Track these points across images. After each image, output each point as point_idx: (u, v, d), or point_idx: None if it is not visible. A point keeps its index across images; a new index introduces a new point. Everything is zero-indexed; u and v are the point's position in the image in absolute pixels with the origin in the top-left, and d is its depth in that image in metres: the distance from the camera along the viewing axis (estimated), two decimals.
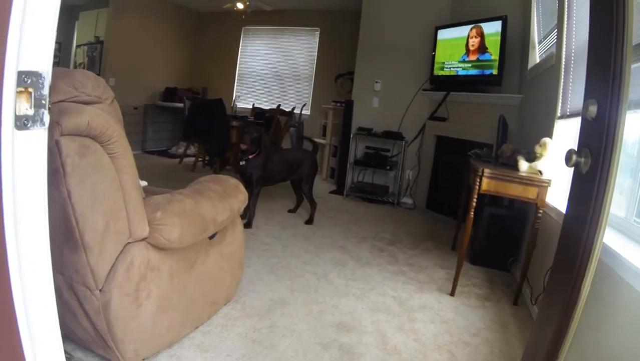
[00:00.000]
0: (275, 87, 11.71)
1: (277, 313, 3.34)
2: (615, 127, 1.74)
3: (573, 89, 3.96)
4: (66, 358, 1.68)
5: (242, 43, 12.10)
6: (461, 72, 7.04)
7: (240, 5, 9.30)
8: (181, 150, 10.26)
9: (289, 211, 6.49)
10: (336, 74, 10.39)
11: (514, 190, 3.78)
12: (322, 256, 4.72)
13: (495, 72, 6.42)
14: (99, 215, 2.05)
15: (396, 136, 7.80)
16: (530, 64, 5.85)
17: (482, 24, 6.63)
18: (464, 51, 6.94)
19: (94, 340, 2.37)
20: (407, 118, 8.03)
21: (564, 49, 4.22)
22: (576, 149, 2.00)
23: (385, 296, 3.86)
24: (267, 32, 11.78)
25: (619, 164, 1.77)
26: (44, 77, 1.14)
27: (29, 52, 1.10)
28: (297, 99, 11.13)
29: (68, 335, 2.48)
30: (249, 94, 11.90)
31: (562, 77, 4.20)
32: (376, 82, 8.32)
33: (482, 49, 6.63)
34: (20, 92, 1.09)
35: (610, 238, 2.33)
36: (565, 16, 4.21)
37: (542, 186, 3.70)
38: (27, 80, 1.10)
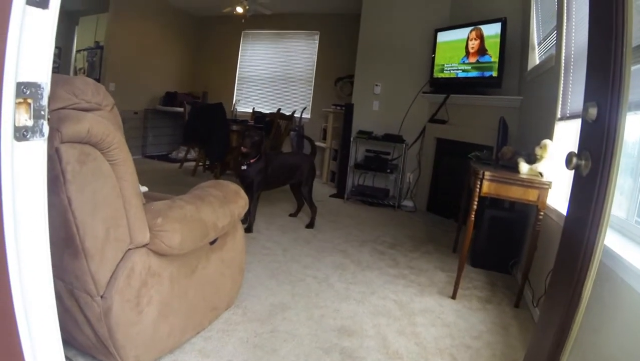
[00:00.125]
0: (275, 91, 11.72)
1: (278, 317, 3.34)
2: (616, 130, 1.74)
3: (573, 90, 3.96)
4: None
5: (242, 47, 12.11)
6: (461, 75, 7.04)
7: (239, 10, 9.29)
8: (181, 154, 10.29)
9: (290, 215, 6.48)
10: (336, 78, 10.41)
11: (515, 192, 3.78)
12: (323, 260, 4.71)
13: (495, 74, 6.43)
14: (99, 222, 2.04)
15: (396, 139, 7.80)
16: (530, 66, 5.85)
17: (481, 26, 6.64)
18: (464, 53, 6.95)
19: (95, 346, 2.37)
20: (407, 121, 8.04)
21: (563, 51, 4.22)
22: (576, 151, 2.00)
23: (386, 300, 3.86)
24: (267, 36, 11.80)
25: (619, 167, 1.77)
26: (42, 88, 1.14)
27: (28, 63, 1.11)
28: (297, 102, 11.14)
29: (69, 341, 2.48)
30: (249, 98, 11.91)
31: (562, 78, 4.20)
32: (376, 85, 8.33)
33: (481, 51, 6.64)
34: (20, 103, 1.10)
35: (611, 239, 2.33)
36: (565, 17, 4.22)
37: (543, 188, 3.69)
38: (26, 91, 1.10)
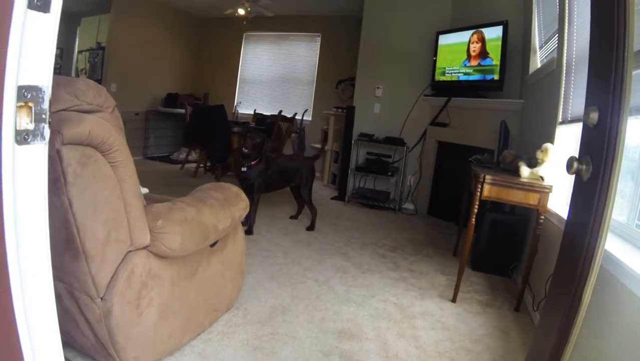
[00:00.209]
0: (276, 93, 11.73)
1: (278, 320, 3.34)
2: (617, 134, 1.74)
3: (574, 94, 3.96)
4: None
5: (244, 49, 12.12)
6: (462, 78, 7.04)
7: (241, 11, 9.31)
8: (183, 156, 10.28)
9: (291, 217, 6.49)
10: (337, 80, 10.42)
11: (516, 196, 3.78)
12: (323, 262, 4.72)
13: (496, 77, 6.42)
14: (100, 224, 2.05)
15: (397, 142, 7.80)
16: (532, 69, 5.85)
17: (483, 29, 6.63)
18: (465, 56, 6.95)
19: (95, 348, 2.37)
20: (408, 124, 8.04)
21: (565, 54, 4.22)
22: (577, 156, 2.00)
23: (386, 303, 3.86)
24: (269, 38, 11.81)
25: (620, 172, 1.76)
26: (44, 92, 1.14)
27: (29, 66, 1.11)
28: (298, 104, 11.15)
29: (69, 342, 2.48)
30: (250, 100, 11.93)
31: (564, 82, 4.20)
32: (377, 87, 8.33)
33: (483, 54, 6.64)
34: (21, 106, 1.10)
35: (611, 244, 2.33)
36: (566, 21, 4.21)
37: (544, 192, 3.69)
38: (27, 95, 1.10)
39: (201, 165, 9.40)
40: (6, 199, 1.09)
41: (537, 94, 5.36)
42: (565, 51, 4.21)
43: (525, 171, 3.91)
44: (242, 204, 3.12)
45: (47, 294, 1.28)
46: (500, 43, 6.34)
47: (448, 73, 7.33)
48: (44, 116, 1.16)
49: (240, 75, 12.17)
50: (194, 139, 8.90)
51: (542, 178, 3.82)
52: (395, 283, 4.33)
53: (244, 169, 5.39)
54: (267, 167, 5.52)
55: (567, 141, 4.11)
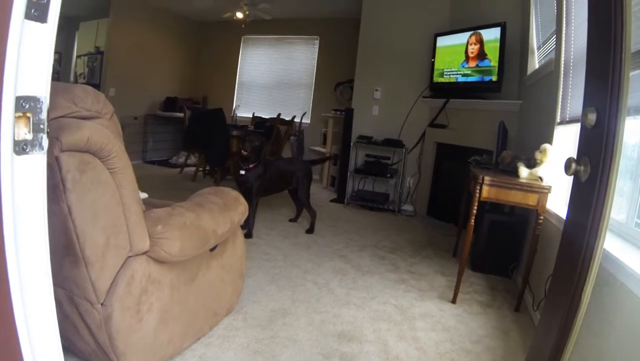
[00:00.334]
0: (275, 96, 11.74)
1: (278, 323, 3.34)
2: (615, 135, 1.74)
3: (572, 94, 3.97)
4: None
5: (242, 52, 12.13)
6: (461, 79, 7.05)
7: (239, 15, 9.32)
8: (182, 160, 10.28)
9: (290, 220, 6.49)
10: (336, 82, 10.42)
11: (515, 197, 3.79)
12: (323, 265, 4.72)
13: (494, 78, 6.43)
14: (99, 230, 2.05)
15: (396, 144, 7.80)
16: (530, 70, 5.86)
17: (481, 31, 6.65)
18: (464, 58, 6.96)
19: (96, 353, 2.37)
20: (407, 126, 8.04)
21: (562, 55, 4.22)
22: (576, 157, 2.01)
23: (386, 305, 3.86)
24: (267, 41, 11.82)
25: (618, 172, 1.77)
26: (42, 102, 1.15)
27: (27, 77, 1.11)
28: (297, 107, 11.15)
29: (69, 348, 2.48)
30: (249, 103, 11.92)
31: (562, 82, 4.20)
32: (376, 90, 8.34)
33: (481, 55, 6.65)
34: (19, 117, 1.10)
35: (610, 243, 2.33)
36: (564, 22, 4.22)
37: (543, 192, 3.70)
38: (25, 105, 1.11)
39: (200, 169, 9.40)
40: (5, 209, 1.10)
41: (536, 94, 5.37)
42: (563, 52, 4.22)
43: (524, 171, 3.92)
44: (241, 209, 3.13)
45: (47, 301, 1.28)
46: (498, 44, 6.35)
47: (446, 75, 7.33)
48: (42, 126, 1.16)
49: (239, 78, 12.18)
50: (192, 142, 8.91)
51: (540, 179, 3.83)
52: (395, 285, 4.33)
53: (242, 172, 5.39)
54: (266, 170, 5.53)
55: (565, 141, 4.11)
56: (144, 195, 2.81)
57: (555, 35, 4.55)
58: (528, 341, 3.31)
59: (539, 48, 5.71)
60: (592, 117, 1.89)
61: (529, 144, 4.96)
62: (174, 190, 7.77)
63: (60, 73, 10.99)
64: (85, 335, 2.30)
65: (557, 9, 4.48)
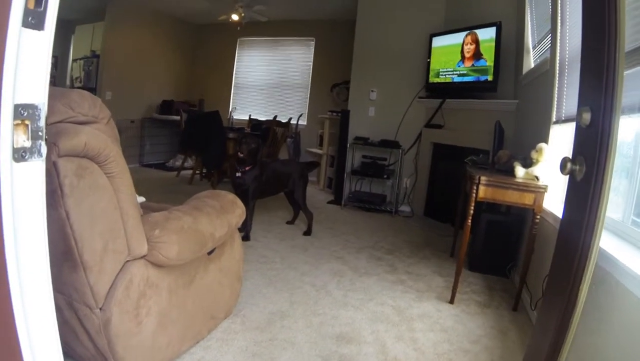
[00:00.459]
0: (271, 98, 11.75)
1: (276, 325, 3.35)
2: (609, 135, 1.75)
3: (568, 93, 3.98)
4: None
5: (238, 54, 12.14)
6: (457, 79, 7.06)
7: (235, 17, 9.33)
8: (178, 163, 10.28)
9: (287, 222, 6.49)
10: (332, 84, 10.43)
11: (511, 197, 3.79)
12: (320, 267, 4.72)
13: (490, 78, 6.44)
14: (97, 235, 2.05)
15: (393, 145, 7.81)
16: (525, 70, 5.87)
17: (476, 31, 6.66)
18: (459, 58, 6.97)
19: (95, 358, 2.37)
20: (403, 126, 8.05)
21: (558, 54, 4.23)
22: (571, 156, 2.02)
23: (384, 306, 3.87)
24: (263, 43, 11.83)
25: (613, 171, 1.78)
26: (40, 109, 1.16)
27: (25, 85, 1.12)
28: (293, 109, 11.16)
29: (69, 353, 2.48)
30: (245, 106, 11.93)
31: (557, 81, 4.21)
32: (372, 91, 8.35)
33: (477, 55, 6.66)
34: (18, 124, 1.11)
35: (606, 242, 2.34)
36: (559, 21, 4.23)
37: (539, 191, 3.71)
38: (23, 113, 1.12)
39: (197, 172, 9.40)
40: (5, 215, 1.10)
41: (531, 94, 5.38)
42: (558, 51, 4.23)
43: (520, 171, 3.93)
44: (238, 212, 3.13)
45: (47, 306, 1.29)
46: (493, 44, 6.37)
47: (442, 75, 7.34)
48: (40, 133, 1.17)
49: (235, 81, 12.19)
50: (189, 145, 8.91)
51: (537, 178, 3.84)
52: (393, 286, 4.34)
53: (238, 174, 5.39)
54: (262, 172, 5.53)
55: (561, 140, 4.12)
56: (141, 199, 2.81)
57: (550, 35, 4.56)
58: (526, 340, 3.32)
59: (534, 47, 5.73)
60: (587, 116, 1.90)
61: (525, 144, 4.97)
62: (171, 193, 7.76)
63: (56, 77, 10.99)
64: (84, 339, 2.31)
65: (552, 8, 4.48)
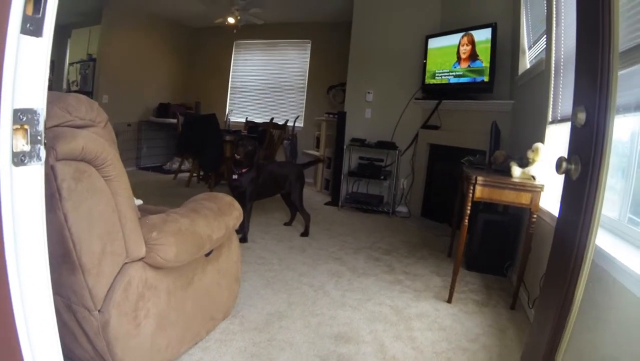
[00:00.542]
0: (267, 100, 11.76)
1: (275, 326, 3.35)
2: (604, 134, 1.76)
3: (563, 93, 3.99)
4: None
5: (234, 57, 12.15)
6: (453, 80, 7.08)
7: (231, 20, 9.33)
8: (175, 166, 10.28)
9: (285, 224, 6.50)
10: (328, 86, 10.43)
11: (508, 196, 3.80)
12: (318, 268, 4.73)
13: (486, 79, 6.46)
14: (95, 238, 2.06)
15: (389, 146, 7.82)
16: (521, 70, 5.89)
17: (472, 32, 6.67)
18: (455, 59, 6.99)
19: (94, 360, 2.38)
20: (399, 128, 8.07)
21: (553, 55, 4.25)
22: (566, 156, 2.03)
23: (382, 306, 3.88)
24: (259, 46, 11.84)
25: (608, 170, 1.79)
26: (39, 114, 1.17)
27: (24, 90, 1.14)
28: (290, 111, 11.17)
29: (68, 356, 2.48)
30: (241, 108, 11.94)
31: (553, 82, 4.23)
32: (368, 92, 8.36)
33: (473, 56, 6.68)
34: (17, 129, 1.12)
35: (603, 240, 2.36)
36: (554, 22, 4.24)
37: (535, 191, 3.72)
38: (22, 117, 1.13)
39: (194, 174, 9.39)
40: (5, 219, 1.11)
41: (527, 94, 5.40)
42: (553, 52, 4.25)
43: (516, 171, 3.94)
44: (235, 213, 3.14)
45: (47, 308, 1.30)
46: (489, 45, 6.39)
47: (438, 76, 7.36)
48: (39, 138, 1.18)
49: (232, 83, 12.20)
50: (186, 148, 8.92)
51: (533, 178, 3.85)
52: (391, 286, 4.35)
53: (235, 176, 5.40)
54: (258, 174, 5.53)
55: (557, 140, 4.14)
56: (138, 202, 2.82)
57: (545, 35, 4.58)
58: (524, 338, 3.33)
59: (529, 48, 5.75)
60: (582, 116, 1.91)
61: (521, 144, 4.99)
62: (169, 196, 7.77)
63: (53, 81, 10.97)
64: (83, 342, 2.31)
65: (547, 9, 4.50)
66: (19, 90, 1.12)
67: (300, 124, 10.92)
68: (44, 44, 1.18)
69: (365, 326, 3.48)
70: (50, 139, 1.83)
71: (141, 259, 2.32)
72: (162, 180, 9.69)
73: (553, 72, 4.23)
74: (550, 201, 3.91)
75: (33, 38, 1.14)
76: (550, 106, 4.25)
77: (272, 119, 9.30)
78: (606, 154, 1.77)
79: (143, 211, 2.60)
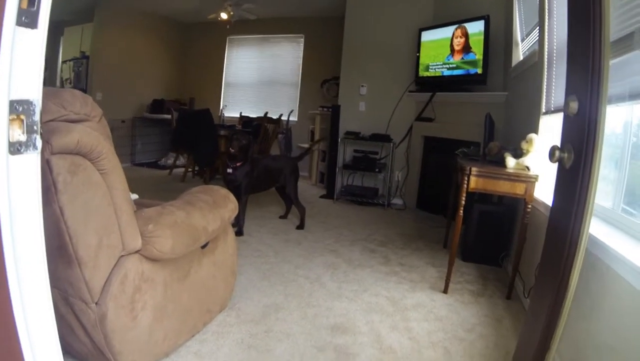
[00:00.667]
0: (262, 95, 11.74)
1: (271, 318, 3.37)
2: (596, 122, 1.78)
3: (557, 84, 4.00)
4: None
5: (228, 52, 12.12)
6: (446, 73, 7.08)
7: (224, 15, 9.30)
8: (170, 161, 10.28)
9: (280, 217, 6.51)
10: (322, 80, 10.42)
11: (502, 187, 3.82)
12: (314, 260, 4.75)
13: (480, 71, 6.47)
14: (92, 231, 2.07)
15: (384, 138, 7.83)
16: (514, 62, 5.90)
17: (465, 24, 6.67)
18: (449, 52, 6.99)
19: (92, 353, 2.38)
20: (394, 120, 8.08)
21: (546, 46, 4.26)
22: (559, 144, 2.04)
23: (378, 297, 3.89)
24: (252, 41, 11.82)
25: (601, 158, 1.80)
26: (34, 105, 1.18)
27: (20, 81, 1.15)
28: (284, 105, 11.14)
29: (66, 350, 2.49)
30: (236, 103, 11.92)
31: (545, 73, 4.24)
32: (362, 86, 8.36)
33: (466, 48, 6.68)
34: (13, 119, 1.13)
35: (597, 229, 2.37)
36: (547, 13, 4.25)
37: (530, 181, 3.74)
38: (18, 108, 1.14)
39: (189, 169, 9.40)
40: (2, 206, 1.12)
41: (521, 86, 5.41)
42: (546, 43, 4.25)
43: (510, 161, 3.95)
44: (230, 206, 3.15)
45: (44, 297, 1.31)
46: (482, 37, 6.39)
47: (432, 69, 7.36)
48: (35, 127, 1.20)
49: (225, 78, 12.19)
50: (180, 143, 8.89)
51: (527, 168, 3.86)
52: (387, 277, 4.37)
53: (229, 170, 5.41)
54: (253, 168, 5.55)
55: (551, 130, 4.15)
56: (134, 196, 2.82)
57: (538, 27, 4.59)
58: (520, 327, 3.35)
59: (522, 40, 5.76)
60: (574, 105, 1.92)
61: (515, 135, 5.00)
62: (164, 192, 7.75)
63: (46, 79, 10.93)
64: (81, 335, 2.32)
65: (539, 1, 4.51)
66: (15, 81, 1.13)
67: (294, 118, 10.91)
68: (39, 35, 1.19)
69: (361, 317, 3.49)
70: (45, 134, 1.83)
71: (137, 251, 2.33)
72: (157, 176, 9.69)
73: (546, 63, 4.24)
74: (545, 192, 3.93)
75: (28, 30, 1.16)
76: (544, 97, 4.26)
77: (266, 113, 9.30)
78: (599, 142, 1.78)
79: (138, 206, 2.60)
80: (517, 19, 5.90)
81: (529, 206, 3.79)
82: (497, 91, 6.40)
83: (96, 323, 2.20)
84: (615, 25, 2.35)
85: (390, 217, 7.17)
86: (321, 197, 8.40)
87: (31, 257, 1.24)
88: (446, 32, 7.02)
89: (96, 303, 2.18)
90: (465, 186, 3.86)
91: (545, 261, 2.35)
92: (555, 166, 2.17)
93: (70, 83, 10.35)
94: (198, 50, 12.42)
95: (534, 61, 4.61)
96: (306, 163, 9.79)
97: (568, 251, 1.92)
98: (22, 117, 1.15)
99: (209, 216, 2.84)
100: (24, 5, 1.13)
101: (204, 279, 2.96)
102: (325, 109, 9.20)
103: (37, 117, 1.19)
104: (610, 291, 2.08)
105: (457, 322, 3.50)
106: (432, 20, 7.63)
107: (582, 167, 1.83)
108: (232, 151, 5.34)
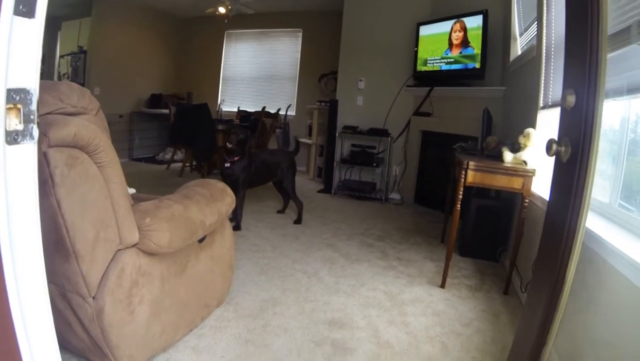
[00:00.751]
0: (259, 89, 11.72)
1: (269, 312, 3.37)
2: (593, 116, 1.78)
3: (554, 79, 4.00)
4: None
5: (226, 47, 12.11)
6: (444, 67, 7.08)
7: (222, 10, 9.28)
8: (168, 156, 10.27)
9: (278, 212, 6.51)
10: (320, 74, 10.42)
11: (500, 181, 3.82)
12: (312, 255, 4.75)
13: (478, 65, 6.47)
14: (89, 224, 2.06)
15: (382, 133, 7.84)
16: (512, 56, 5.90)
17: (463, 19, 6.67)
18: (447, 46, 6.99)
19: (89, 348, 2.38)
20: (392, 115, 8.08)
21: (544, 40, 4.26)
22: (557, 138, 2.04)
23: (376, 292, 3.89)
24: (250, 35, 11.80)
25: (598, 151, 1.80)
26: (32, 94, 1.18)
27: (17, 70, 1.15)
28: (282, 100, 11.15)
29: (63, 345, 2.48)
30: (233, 98, 11.92)
31: (543, 68, 4.24)
32: (360, 80, 8.36)
33: (464, 43, 6.68)
34: (10, 108, 1.13)
35: (594, 223, 2.38)
36: (545, 7, 4.25)
37: (527, 176, 3.74)
38: (15, 97, 1.14)
39: (187, 164, 9.39)
40: None
41: (519, 80, 5.41)
42: (544, 38, 4.25)
43: (508, 156, 3.95)
44: (228, 200, 3.14)
45: (41, 295, 1.30)
46: (480, 32, 6.39)
47: (430, 63, 7.36)
48: (32, 117, 1.19)
49: (223, 73, 12.16)
50: (178, 138, 8.89)
51: (525, 162, 3.86)
52: (384, 272, 4.37)
53: (227, 165, 5.42)
54: (250, 162, 5.55)
55: (549, 125, 4.15)
56: (131, 190, 2.82)
57: (536, 22, 4.58)
58: (517, 322, 3.35)
59: (521, 34, 5.75)
60: (572, 99, 1.92)
61: (513, 129, 5.00)
62: (162, 186, 7.74)
63: (44, 73, 10.89)
64: (78, 330, 2.31)
65: None
66: (12, 70, 1.13)
67: (292, 112, 10.92)
68: (37, 24, 1.19)
69: (359, 311, 3.50)
70: (42, 126, 1.83)
71: (134, 245, 2.33)
72: (155, 170, 9.68)
73: (544, 58, 4.24)
74: (542, 186, 3.93)
75: (26, 19, 1.15)
76: (542, 92, 4.26)
77: (264, 108, 9.31)
78: (596, 136, 1.78)
79: (136, 200, 2.59)
80: (516, 13, 5.90)
81: (527, 201, 3.79)
82: (495, 86, 6.40)
83: (93, 318, 2.20)
84: (612, 19, 2.35)
85: (387, 211, 7.17)
86: (319, 191, 8.40)
87: (28, 249, 1.24)
88: (444, 26, 7.01)
89: (93, 298, 2.17)
90: (462, 180, 3.86)
91: (542, 256, 2.35)
92: (552, 160, 2.17)
93: (68, 78, 10.33)
94: (196, 45, 12.39)
95: (532, 55, 4.61)
96: (304, 158, 9.80)
97: (565, 245, 1.92)
98: (19, 106, 1.15)
99: (206, 209, 2.84)
100: None
101: (201, 273, 2.96)
102: (323, 104, 9.20)
103: (34, 107, 1.19)
104: (606, 285, 2.09)
105: (454, 317, 3.50)
106: (430, 14, 7.62)
107: (579, 160, 1.83)
108: (230, 145, 5.34)
